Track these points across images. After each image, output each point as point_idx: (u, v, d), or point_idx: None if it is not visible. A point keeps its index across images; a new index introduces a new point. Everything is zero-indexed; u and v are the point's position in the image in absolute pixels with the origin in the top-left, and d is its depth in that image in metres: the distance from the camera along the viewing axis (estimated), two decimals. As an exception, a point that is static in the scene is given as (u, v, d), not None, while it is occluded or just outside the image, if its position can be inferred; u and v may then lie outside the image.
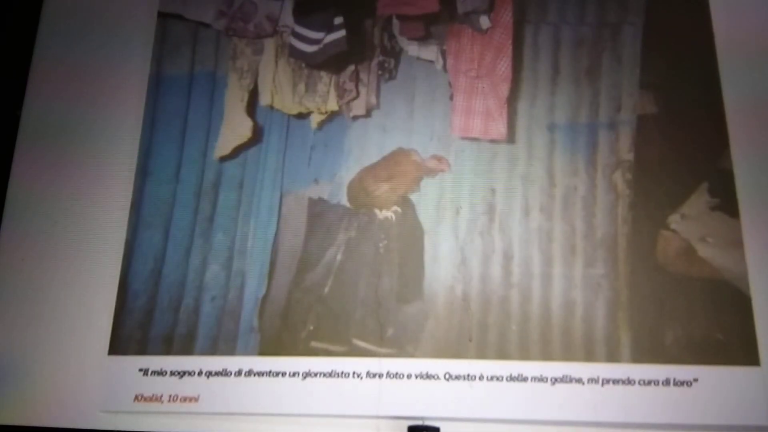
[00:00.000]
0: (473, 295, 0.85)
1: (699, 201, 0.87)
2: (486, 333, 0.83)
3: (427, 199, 0.90)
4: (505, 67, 0.92)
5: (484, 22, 0.93)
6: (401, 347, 0.83)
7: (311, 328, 0.85)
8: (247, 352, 0.84)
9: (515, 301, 0.85)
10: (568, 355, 0.82)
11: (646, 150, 0.89)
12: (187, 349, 0.85)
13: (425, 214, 0.89)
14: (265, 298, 0.87)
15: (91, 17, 1.00)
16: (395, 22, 0.96)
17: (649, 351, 0.81)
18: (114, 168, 0.94)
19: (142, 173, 0.92)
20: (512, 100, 0.91)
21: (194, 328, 0.86)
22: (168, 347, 0.85)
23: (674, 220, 0.86)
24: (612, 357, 0.81)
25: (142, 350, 0.85)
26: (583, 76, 0.93)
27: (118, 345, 0.85)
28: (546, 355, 0.82)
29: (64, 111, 0.96)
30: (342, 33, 0.92)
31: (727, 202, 0.86)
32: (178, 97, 0.95)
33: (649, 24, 0.94)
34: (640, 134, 0.90)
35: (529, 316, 0.84)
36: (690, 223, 0.86)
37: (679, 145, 0.89)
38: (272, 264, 0.88)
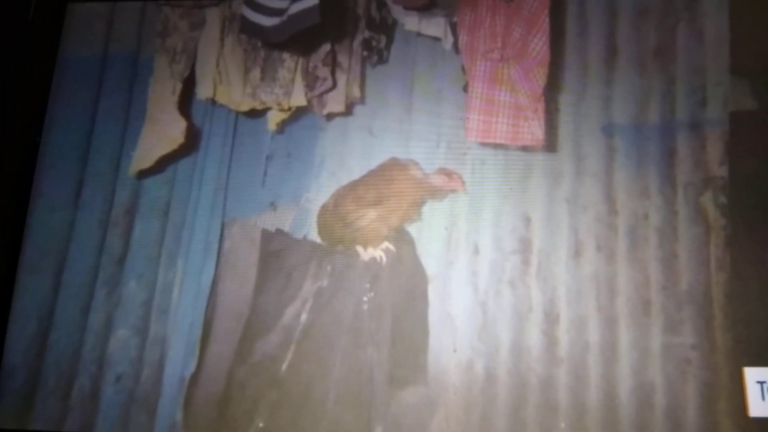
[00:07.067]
0: (501, 376, 0.74)
1: (825, 235, 0.74)
2: (522, 433, 0.70)
3: (432, 231, 0.79)
4: (540, 46, 0.81)
5: (511, -15, 0.83)
6: (395, 455, 0.72)
7: (261, 425, 0.74)
8: (165, 461, 0.72)
9: (563, 385, 0.73)
10: (645, 468, 0.70)
11: (744, 161, 0.77)
12: (78, 455, 0.73)
13: (430, 253, 0.78)
14: (194, 378, 0.76)
15: None
16: (387, -15, 0.85)
17: (765, 460, 0.70)
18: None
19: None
20: (552, 93, 0.81)
21: (90, 422, 0.75)
22: (52, 450, 0.74)
23: (792, 264, 0.73)
24: (711, 469, 0.70)
25: (16, 454, 0.74)
26: (650, 59, 0.81)
27: (-17, 445, 0.76)
28: (612, 469, 0.70)
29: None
30: (314, 0, 0.82)
31: None
32: (84, 87, 0.85)
33: (739, -13, 0.83)
34: (736, 139, 0.78)
35: (585, 408, 0.72)
36: (815, 267, 0.73)
37: (792, 154, 0.77)
38: (207, 327, 0.77)
